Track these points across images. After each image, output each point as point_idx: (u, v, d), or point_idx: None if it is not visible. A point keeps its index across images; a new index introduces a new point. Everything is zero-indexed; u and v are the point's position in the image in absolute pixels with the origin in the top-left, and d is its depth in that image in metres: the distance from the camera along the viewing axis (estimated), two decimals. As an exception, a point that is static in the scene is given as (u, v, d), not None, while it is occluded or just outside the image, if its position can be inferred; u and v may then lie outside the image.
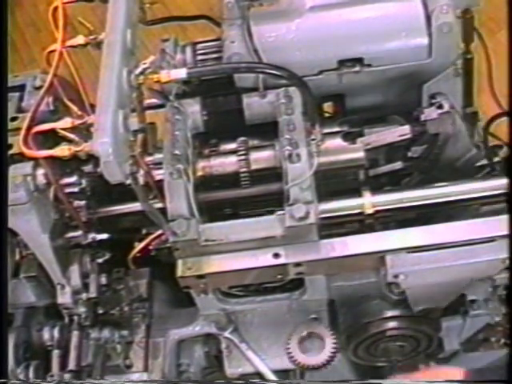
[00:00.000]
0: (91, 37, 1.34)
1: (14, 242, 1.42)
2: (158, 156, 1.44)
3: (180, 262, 1.34)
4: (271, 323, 1.56)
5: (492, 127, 1.67)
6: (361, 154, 1.44)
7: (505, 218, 1.26)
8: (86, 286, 1.47)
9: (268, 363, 1.54)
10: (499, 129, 1.67)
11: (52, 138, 1.30)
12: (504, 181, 1.37)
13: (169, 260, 1.41)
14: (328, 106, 1.68)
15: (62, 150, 1.21)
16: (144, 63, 1.26)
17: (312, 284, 1.47)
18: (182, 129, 1.43)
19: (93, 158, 1.19)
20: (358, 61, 1.44)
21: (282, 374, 1.57)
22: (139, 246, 1.51)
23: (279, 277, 1.35)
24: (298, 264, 1.31)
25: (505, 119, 1.60)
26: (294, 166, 1.34)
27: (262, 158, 1.45)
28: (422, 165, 1.52)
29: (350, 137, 1.46)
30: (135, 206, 1.42)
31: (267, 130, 1.46)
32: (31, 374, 1.43)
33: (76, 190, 1.44)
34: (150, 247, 1.50)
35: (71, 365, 1.46)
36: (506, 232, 1.25)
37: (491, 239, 1.28)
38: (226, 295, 1.54)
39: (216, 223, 1.35)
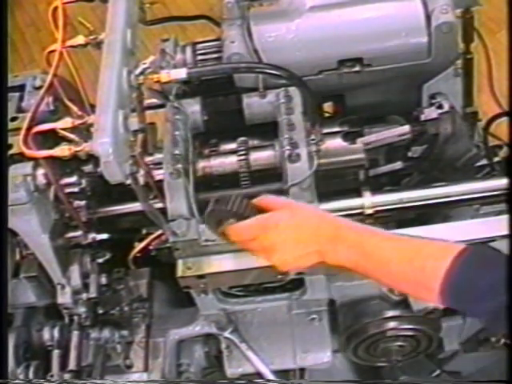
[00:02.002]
0: (91, 37, 1.34)
1: (14, 241, 1.42)
2: (158, 156, 1.44)
3: (180, 262, 1.34)
4: (271, 323, 1.56)
5: (492, 127, 1.67)
6: (361, 155, 1.44)
7: (505, 218, 1.27)
8: (86, 286, 1.47)
9: (268, 363, 1.54)
10: (499, 129, 1.67)
11: (52, 138, 1.30)
12: (504, 181, 1.37)
13: (169, 260, 1.41)
14: (328, 106, 1.68)
15: (62, 150, 1.21)
16: (144, 63, 1.26)
17: (312, 284, 1.47)
18: (182, 129, 1.43)
19: (93, 158, 1.19)
20: (358, 61, 1.45)
21: (281, 373, 1.57)
22: (139, 246, 1.51)
23: (279, 277, 1.35)
24: (297, 264, 1.31)
25: (505, 119, 1.60)
26: (293, 165, 1.34)
27: (261, 157, 1.45)
28: (422, 165, 1.52)
29: (350, 137, 1.46)
30: (135, 206, 1.42)
31: (267, 130, 1.46)
32: (31, 374, 1.43)
33: (76, 189, 1.44)
34: (150, 247, 1.50)
35: (71, 365, 1.45)
36: (506, 232, 1.25)
37: (491, 239, 1.28)
38: (226, 295, 1.53)
39: (216, 223, 1.35)
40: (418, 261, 1.01)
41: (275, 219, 1.09)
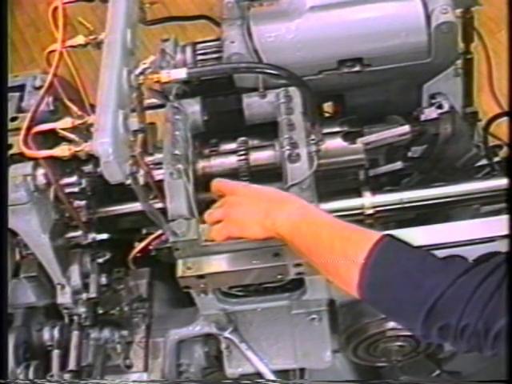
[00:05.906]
0: (91, 37, 1.34)
1: (14, 242, 1.42)
2: (158, 156, 1.44)
3: (180, 262, 1.34)
4: (271, 323, 1.56)
5: (492, 127, 1.67)
6: (361, 155, 1.44)
7: (505, 218, 1.26)
8: (86, 286, 1.47)
9: (268, 363, 1.54)
10: (499, 129, 1.67)
11: (52, 138, 1.30)
12: (504, 181, 1.37)
13: (169, 260, 1.41)
14: (328, 106, 1.68)
15: (62, 150, 1.21)
16: (144, 63, 1.26)
17: (312, 284, 1.47)
18: (182, 129, 1.43)
19: (93, 158, 1.19)
20: (358, 61, 1.44)
21: (282, 374, 1.57)
22: (139, 246, 1.51)
23: (279, 277, 1.35)
24: (297, 264, 1.31)
25: (505, 119, 1.60)
26: (293, 165, 1.34)
27: (261, 157, 1.45)
28: (422, 165, 1.52)
29: (350, 137, 1.46)
30: (135, 206, 1.42)
31: (267, 130, 1.46)
32: (31, 374, 1.43)
33: (76, 189, 1.44)
34: (150, 247, 1.51)
35: (71, 365, 1.45)
36: (506, 232, 1.25)
37: (491, 239, 1.28)
38: (226, 295, 1.53)
39: (216, 223, 1.35)
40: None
41: (234, 198, 1.25)
